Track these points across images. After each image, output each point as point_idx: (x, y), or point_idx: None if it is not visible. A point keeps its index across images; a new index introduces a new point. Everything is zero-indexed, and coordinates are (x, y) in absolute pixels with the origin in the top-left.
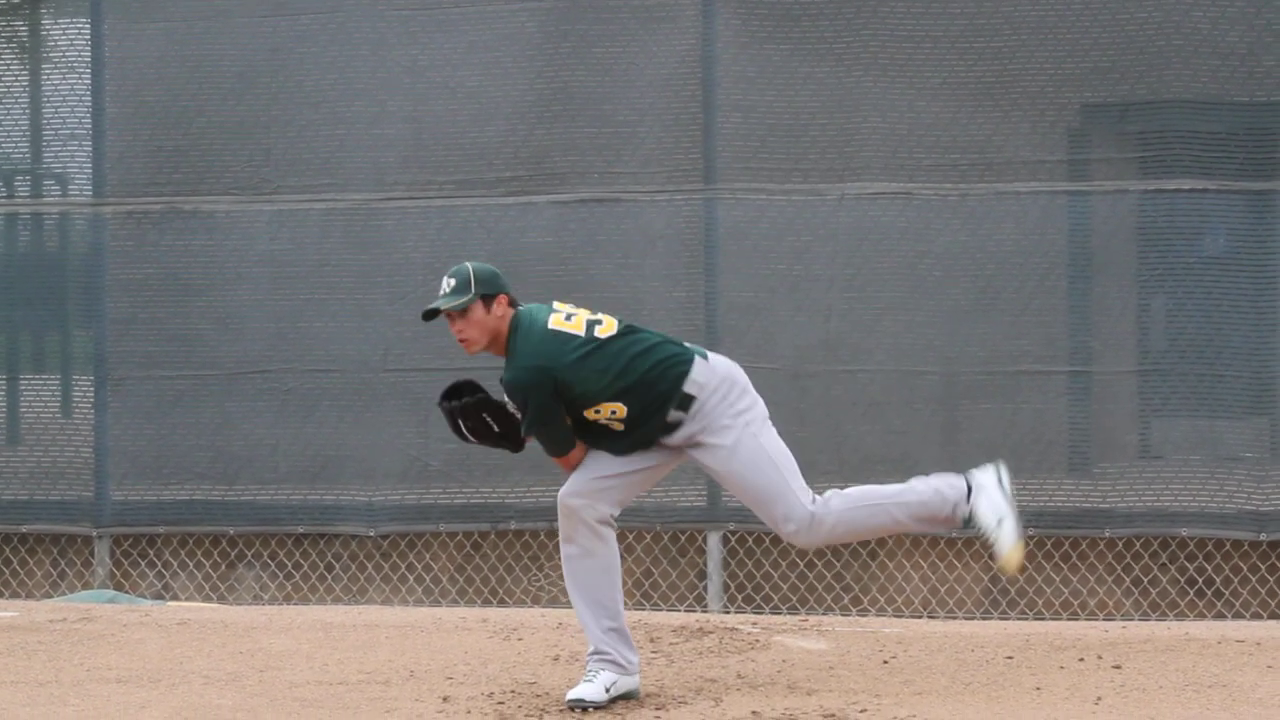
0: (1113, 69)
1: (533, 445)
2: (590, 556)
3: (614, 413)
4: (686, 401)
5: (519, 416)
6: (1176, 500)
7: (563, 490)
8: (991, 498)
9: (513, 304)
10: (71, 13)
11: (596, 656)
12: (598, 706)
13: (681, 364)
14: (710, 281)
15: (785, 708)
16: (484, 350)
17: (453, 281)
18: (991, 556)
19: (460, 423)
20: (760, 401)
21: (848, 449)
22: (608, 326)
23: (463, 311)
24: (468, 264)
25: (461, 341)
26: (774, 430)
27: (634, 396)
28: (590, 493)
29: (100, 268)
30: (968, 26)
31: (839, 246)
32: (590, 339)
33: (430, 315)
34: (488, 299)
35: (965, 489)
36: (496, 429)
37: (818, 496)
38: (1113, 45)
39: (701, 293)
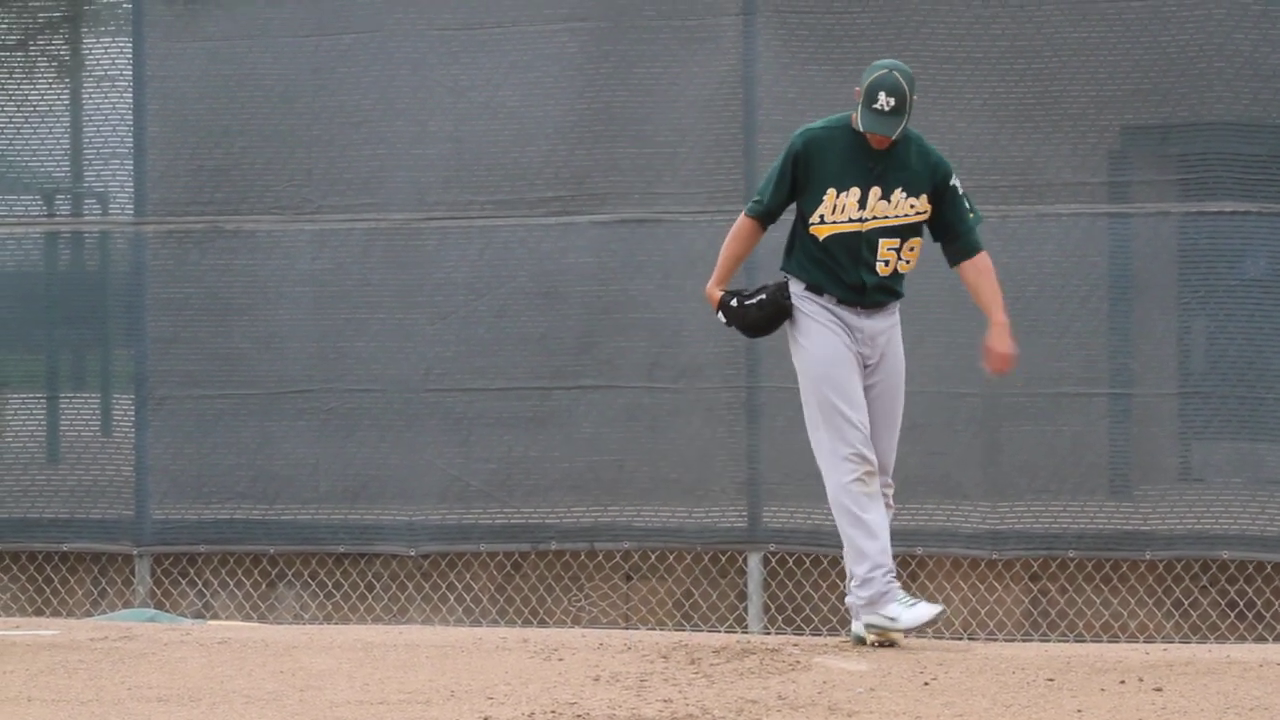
0: (1154, 91)
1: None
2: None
3: (913, 250)
4: None
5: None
6: (1217, 523)
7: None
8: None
9: None
10: (113, 31)
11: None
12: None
13: None
14: None
15: None
16: None
17: (892, 100)
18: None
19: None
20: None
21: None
22: None
23: None
24: (900, 79)
25: (883, 143)
26: None
27: None
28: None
29: (141, 287)
30: (1009, 48)
31: None
32: None
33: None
34: None
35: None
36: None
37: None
38: (1154, 67)
39: None
